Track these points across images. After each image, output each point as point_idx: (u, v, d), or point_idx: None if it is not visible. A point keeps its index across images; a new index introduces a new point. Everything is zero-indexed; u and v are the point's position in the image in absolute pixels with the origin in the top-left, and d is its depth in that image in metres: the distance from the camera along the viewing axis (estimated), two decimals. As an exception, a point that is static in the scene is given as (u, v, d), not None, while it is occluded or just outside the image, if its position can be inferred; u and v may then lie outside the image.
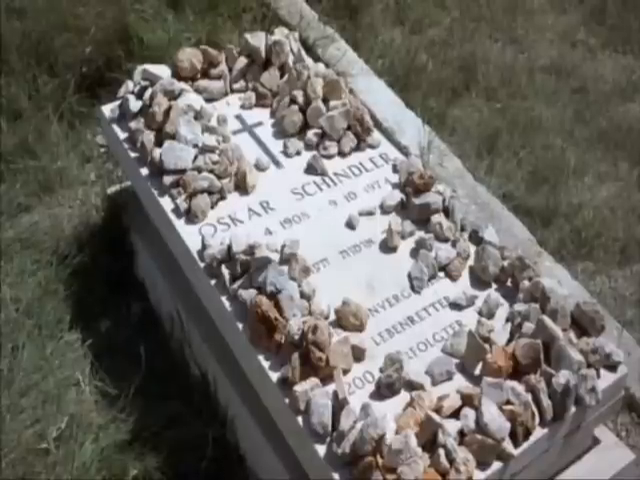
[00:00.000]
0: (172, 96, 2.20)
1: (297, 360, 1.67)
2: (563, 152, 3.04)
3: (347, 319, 1.78)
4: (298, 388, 1.64)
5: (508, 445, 1.58)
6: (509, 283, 1.89)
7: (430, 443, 1.55)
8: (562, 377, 1.62)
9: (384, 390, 1.67)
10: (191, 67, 2.33)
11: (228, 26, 3.23)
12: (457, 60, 3.43)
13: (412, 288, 1.89)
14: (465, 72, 3.39)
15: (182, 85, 2.26)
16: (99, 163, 2.87)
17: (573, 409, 1.65)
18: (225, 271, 1.86)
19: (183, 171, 2.06)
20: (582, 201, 2.85)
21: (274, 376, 1.71)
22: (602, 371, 1.71)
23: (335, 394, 1.62)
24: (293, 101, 2.26)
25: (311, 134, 2.22)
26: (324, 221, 2.05)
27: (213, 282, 1.89)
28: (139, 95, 2.25)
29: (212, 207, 2.05)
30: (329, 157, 2.20)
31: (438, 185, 2.10)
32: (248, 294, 1.80)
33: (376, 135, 2.28)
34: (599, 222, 2.77)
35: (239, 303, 1.82)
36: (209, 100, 2.31)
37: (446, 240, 1.97)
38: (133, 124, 2.20)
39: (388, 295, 1.88)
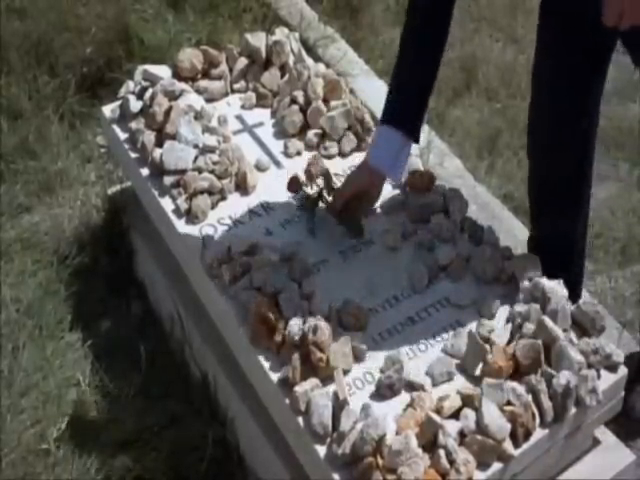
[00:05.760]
0: (172, 96, 2.20)
1: (297, 360, 1.67)
2: (563, 152, 3.04)
3: (347, 319, 1.78)
4: (298, 388, 1.64)
5: (508, 446, 1.57)
6: (509, 283, 1.89)
7: (430, 444, 1.55)
8: (563, 378, 1.62)
9: (384, 391, 1.66)
10: (191, 67, 2.33)
11: (228, 26, 3.24)
12: (457, 60, 3.42)
13: (412, 288, 1.89)
14: (465, 72, 3.38)
15: (182, 85, 2.26)
16: (99, 163, 2.87)
17: (573, 410, 1.65)
18: (225, 271, 1.86)
19: (183, 171, 2.05)
20: (582, 201, 2.85)
21: (274, 376, 1.71)
22: (602, 372, 1.71)
23: (335, 394, 1.62)
24: (293, 101, 2.26)
25: (311, 134, 2.22)
26: (324, 221, 2.05)
27: (213, 282, 1.89)
28: (139, 95, 2.26)
29: (212, 207, 2.05)
30: (329, 157, 2.20)
31: (438, 185, 2.10)
32: (248, 295, 1.80)
33: (376, 135, 2.28)
34: (599, 222, 2.76)
35: (239, 303, 1.82)
36: (209, 100, 2.31)
37: (446, 240, 1.97)
38: (133, 124, 2.20)
39: (388, 295, 1.87)
